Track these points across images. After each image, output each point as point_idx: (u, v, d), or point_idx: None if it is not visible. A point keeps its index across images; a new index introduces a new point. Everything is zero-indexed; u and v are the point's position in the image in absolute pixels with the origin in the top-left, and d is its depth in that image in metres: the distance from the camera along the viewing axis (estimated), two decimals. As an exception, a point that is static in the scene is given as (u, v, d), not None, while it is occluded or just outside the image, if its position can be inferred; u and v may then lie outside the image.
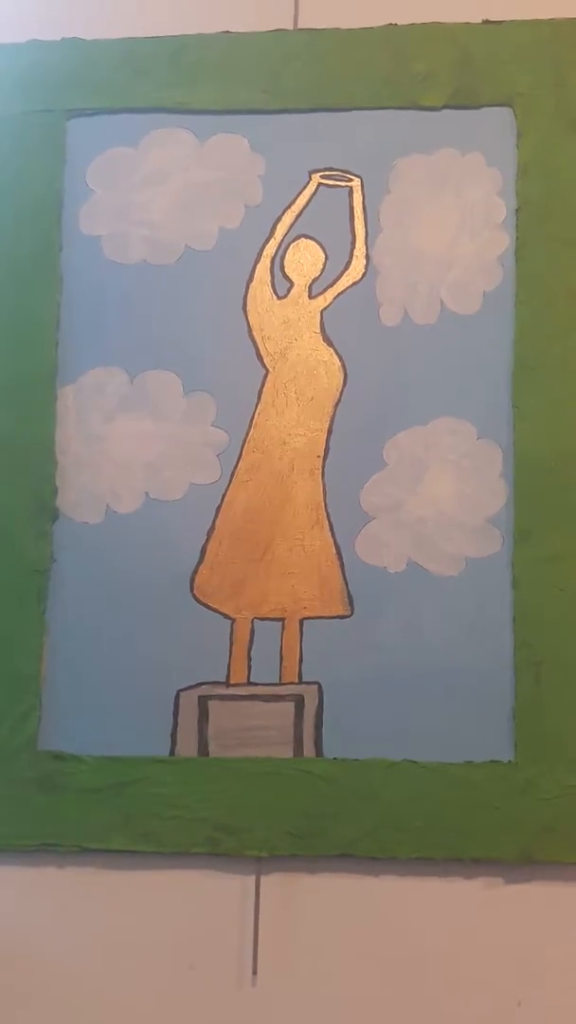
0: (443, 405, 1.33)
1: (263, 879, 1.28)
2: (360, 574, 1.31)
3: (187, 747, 1.30)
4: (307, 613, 1.31)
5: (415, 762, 1.27)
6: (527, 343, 1.32)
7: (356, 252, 1.37)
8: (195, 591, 1.33)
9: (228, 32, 1.41)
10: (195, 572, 1.33)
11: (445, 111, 1.37)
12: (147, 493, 1.35)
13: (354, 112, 1.39)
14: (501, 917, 1.25)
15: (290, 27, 1.41)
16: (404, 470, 1.33)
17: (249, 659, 1.31)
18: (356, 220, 1.37)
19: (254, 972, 1.27)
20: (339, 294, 1.36)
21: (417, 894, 1.26)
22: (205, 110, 1.40)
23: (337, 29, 1.39)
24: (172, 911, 1.29)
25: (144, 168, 1.41)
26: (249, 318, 1.37)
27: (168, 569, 1.33)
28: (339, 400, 1.35)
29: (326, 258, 1.37)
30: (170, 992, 1.27)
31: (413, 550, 1.31)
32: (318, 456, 1.34)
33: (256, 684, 1.31)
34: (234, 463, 1.35)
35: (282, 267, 1.38)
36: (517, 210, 1.35)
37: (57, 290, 1.38)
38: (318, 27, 1.40)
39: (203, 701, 1.30)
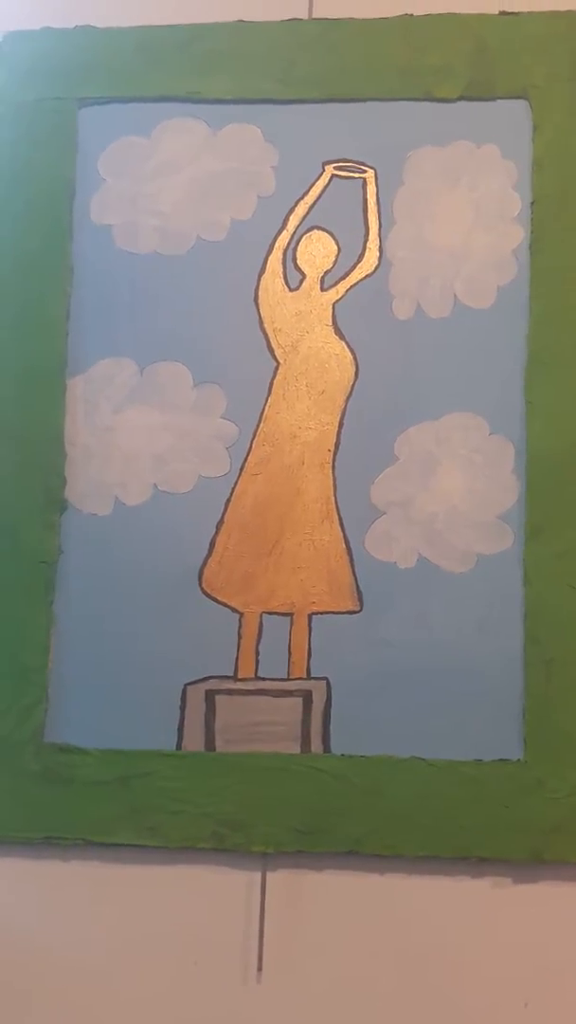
0: (455, 400, 1.32)
1: (269, 875, 1.27)
2: (370, 569, 1.30)
3: (194, 741, 1.29)
4: (316, 608, 1.31)
5: (423, 759, 1.26)
6: (541, 338, 1.31)
7: (369, 244, 1.36)
8: (203, 584, 1.32)
9: (242, 21, 1.40)
10: (203, 565, 1.32)
11: (460, 103, 1.37)
12: (156, 485, 1.34)
13: (368, 103, 1.38)
14: (509, 917, 1.24)
15: (305, 16, 1.40)
16: (415, 465, 1.32)
17: (257, 654, 1.30)
18: (369, 212, 1.36)
19: (259, 969, 1.26)
20: (351, 287, 1.35)
21: (424, 892, 1.25)
22: (218, 100, 1.39)
23: (352, 19, 1.38)
24: (177, 906, 1.28)
25: (156, 157, 1.40)
26: (260, 310, 1.36)
27: (176, 562, 1.32)
28: (350, 394, 1.34)
29: (339, 250, 1.36)
30: (174, 988, 1.27)
31: (423, 546, 1.30)
32: (328, 450, 1.33)
33: (264, 679, 1.30)
34: (244, 456, 1.34)
35: (294, 259, 1.37)
36: (532, 203, 1.34)
37: (67, 279, 1.37)
38: (333, 17, 1.39)
39: (210, 695, 1.30)
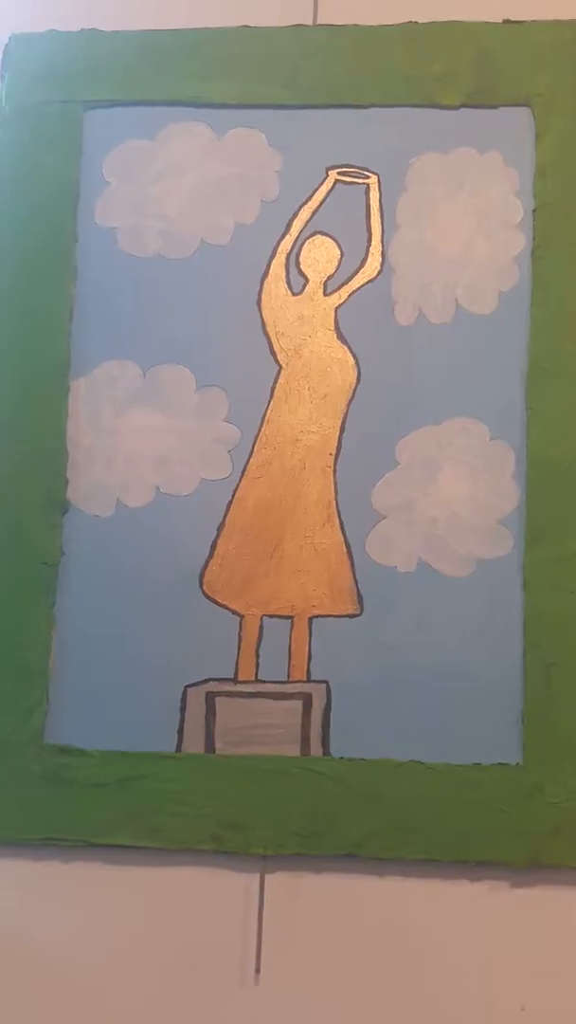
0: (457, 405, 1.33)
1: (267, 877, 1.27)
2: (370, 573, 1.31)
3: (194, 743, 1.29)
4: (316, 611, 1.31)
5: (422, 763, 1.26)
6: (542, 344, 1.31)
7: (372, 250, 1.36)
8: (204, 587, 1.32)
9: (247, 26, 1.40)
10: (205, 568, 1.32)
11: (463, 110, 1.37)
12: (158, 487, 1.35)
13: (372, 109, 1.38)
14: (506, 920, 1.24)
15: (309, 23, 1.41)
16: (416, 470, 1.32)
17: (257, 656, 1.31)
18: (372, 218, 1.37)
19: (257, 971, 1.26)
20: (354, 291, 1.36)
21: (422, 896, 1.26)
22: (223, 104, 1.39)
23: (356, 25, 1.39)
24: (176, 908, 1.28)
25: (160, 161, 1.40)
26: (263, 314, 1.36)
27: (178, 564, 1.32)
28: (352, 398, 1.34)
29: (342, 255, 1.37)
30: (173, 989, 1.27)
31: (424, 550, 1.31)
32: (330, 454, 1.34)
33: (264, 682, 1.30)
34: (246, 459, 1.34)
35: (297, 263, 1.37)
36: (534, 211, 1.34)
37: (71, 282, 1.38)
38: (337, 23, 1.40)
39: (210, 697, 1.30)
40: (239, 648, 1.31)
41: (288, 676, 1.30)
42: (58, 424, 1.35)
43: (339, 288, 1.36)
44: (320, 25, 1.40)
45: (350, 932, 1.26)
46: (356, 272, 1.36)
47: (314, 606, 1.31)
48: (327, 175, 1.38)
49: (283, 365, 1.36)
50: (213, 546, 1.33)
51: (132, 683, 1.31)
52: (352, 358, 1.35)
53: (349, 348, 1.35)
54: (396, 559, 1.31)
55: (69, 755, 1.29)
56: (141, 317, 1.37)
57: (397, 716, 1.28)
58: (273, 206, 1.38)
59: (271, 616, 1.31)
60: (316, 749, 1.28)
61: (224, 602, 1.32)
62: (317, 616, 1.31)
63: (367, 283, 1.36)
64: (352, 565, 1.31)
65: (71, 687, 1.31)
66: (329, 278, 1.37)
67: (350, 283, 1.36)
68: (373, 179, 1.37)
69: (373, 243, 1.36)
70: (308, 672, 1.30)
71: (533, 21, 1.37)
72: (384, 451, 1.33)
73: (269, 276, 1.37)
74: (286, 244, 1.37)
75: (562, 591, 1.27)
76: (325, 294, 1.37)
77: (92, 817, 1.28)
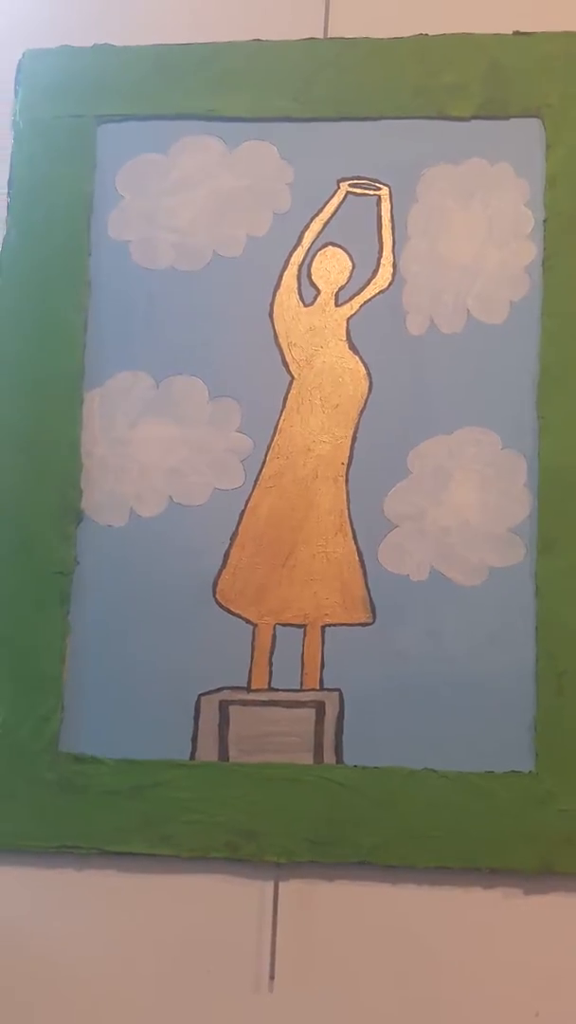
0: (468, 414, 1.33)
1: (281, 885, 1.28)
2: (383, 582, 1.31)
3: (207, 752, 1.30)
4: (329, 620, 1.32)
5: (435, 771, 1.27)
6: (553, 353, 1.32)
7: (383, 260, 1.37)
8: (218, 596, 1.33)
9: (259, 40, 1.41)
10: (218, 577, 1.33)
11: (474, 121, 1.38)
12: (171, 497, 1.36)
13: (383, 121, 1.39)
14: (519, 927, 1.25)
15: (321, 36, 1.42)
16: (428, 479, 1.33)
17: (270, 665, 1.31)
18: (384, 228, 1.37)
19: (271, 978, 1.26)
20: (366, 302, 1.37)
21: (435, 903, 1.26)
22: (235, 117, 1.40)
23: (367, 38, 1.40)
24: (190, 915, 1.29)
25: (173, 174, 1.41)
26: (275, 325, 1.37)
27: (191, 573, 1.33)
28: (364, 408, 1.35)
29: (353, 266, 1.38)
30: (187, 997, 1.27)
31: (436, 559, 1.31)
32: (342, 463, 1.34)
33: (277, 690, 1.31)
34: (258, 469, 1.35)
35: (309, 274, 1.38)
36: (545, 221, 1.35)
37: (85, 294, 1.39)
38: (348, 36, 1.41)
39: (224, 706, 1.31)
40: (252, 657, 1.31)
41: (301, 684, 1.31)
42: (72, 435, 1.37)
43: (351, 299, 1.37)
44: (331, 38, 1.41)
45: (363, 939, 1.27)
46: (367, 283, 1.37)
47: (327, 615, 1.32)
48: (338, 187, 1.39)
49: (295, 375, 1.36)
50: (226, 555, 1.33)
51: (146, 691, 1.31)
52: (364, 368, 1.36)
53: (361, 358, 1.36)
54: (408, 568, 1.32)
55: (83, 763, 1.30)
56: (154, 328, 1.38)
57: (410, 724, 1.28)
58: (285, 218, 1.39)
59: (284, 625, 1.32)
60: (329, 757, 1.29)
61: (237, 611, 1.32)
62: (330, 625, 1.31)
63: (379, 293, 1.37)
64: (364, 574, 1.32)
65: (85, 696, 1.32)
66: (341, 289, 1.38)
67: (362, 294, 1.37)
68: (384, 190, 1.38)
69: (384, 254, 1.37)
70: (321, 680, 1.30)
71: (543, 32, 1.37)
72: (396, 460, 1.33)
73: (281, 287, 1.38)
74: (298, 256, 1.38)
75: (574, 598, 1.28)
76: (337, 305, 1.37)
77: (106, 825, 1.29)
